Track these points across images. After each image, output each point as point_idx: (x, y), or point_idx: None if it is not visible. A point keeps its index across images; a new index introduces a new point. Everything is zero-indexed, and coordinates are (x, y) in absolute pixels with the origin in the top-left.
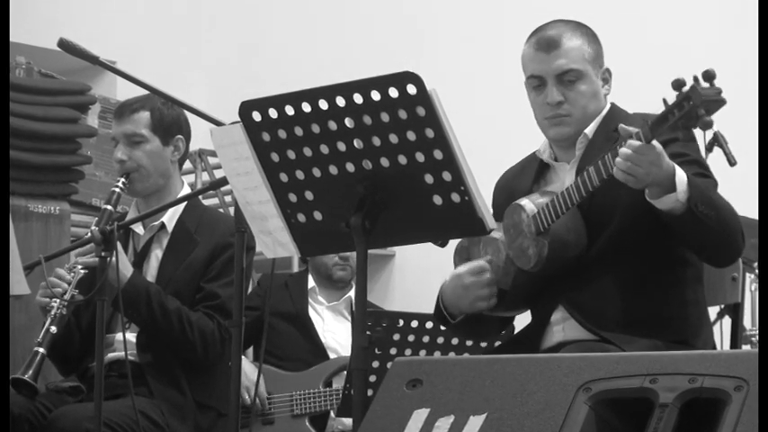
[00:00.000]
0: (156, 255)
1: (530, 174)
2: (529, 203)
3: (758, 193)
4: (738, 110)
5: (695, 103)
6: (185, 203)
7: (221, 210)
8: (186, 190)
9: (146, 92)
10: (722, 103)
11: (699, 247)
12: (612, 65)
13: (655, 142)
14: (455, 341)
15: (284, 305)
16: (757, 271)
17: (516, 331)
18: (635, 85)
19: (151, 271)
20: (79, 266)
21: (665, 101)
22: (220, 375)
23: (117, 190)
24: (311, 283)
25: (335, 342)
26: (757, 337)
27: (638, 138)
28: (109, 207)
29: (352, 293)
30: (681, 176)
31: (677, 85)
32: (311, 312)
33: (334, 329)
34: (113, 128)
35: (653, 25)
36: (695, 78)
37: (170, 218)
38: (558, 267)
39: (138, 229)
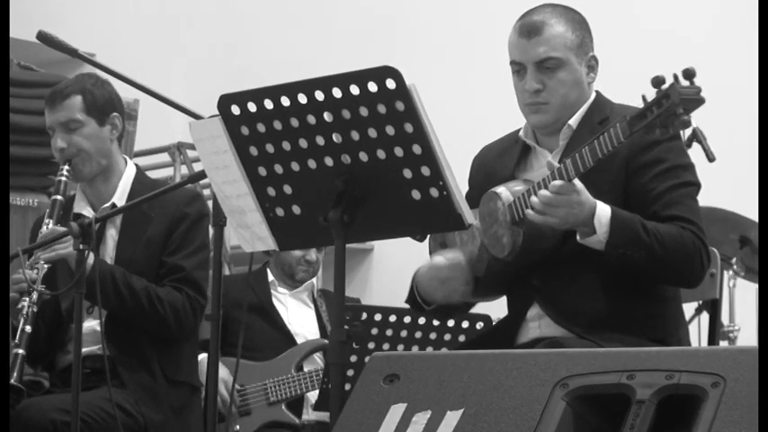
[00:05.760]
0: (112, 235)
1: (512, 157)
2: (505, 191)
3: (758, 194)
4: (717, 104)
5: (674, 101)
6: (133, 180)
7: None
8: (131, 166)
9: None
10: (701, 102)
11: (644, 277)
12: (602, 54)
13: (576, 181)
14: (433, 336)
15: (248, 297)
16: (735, 267)
17: (494, 323)
18: (623, 75)
19: (108, 252)
20: (42, 262)
21: (644, 97)
22: (189, 349)
23: (63, 179)
24: (270, 277)
25: (301, 327)
26: (735, 333)
27: (560, 174)
28: (58, 197)
29: (313, 280)
30: (602, 217)
31: (656, 82)
32: (275, 301)
33: (298, 315)
34: (47, 117)
35: (643, 14)
36: (675, 76)
37: (120, 197)
38: (532, 257)
39: (87, 211)
